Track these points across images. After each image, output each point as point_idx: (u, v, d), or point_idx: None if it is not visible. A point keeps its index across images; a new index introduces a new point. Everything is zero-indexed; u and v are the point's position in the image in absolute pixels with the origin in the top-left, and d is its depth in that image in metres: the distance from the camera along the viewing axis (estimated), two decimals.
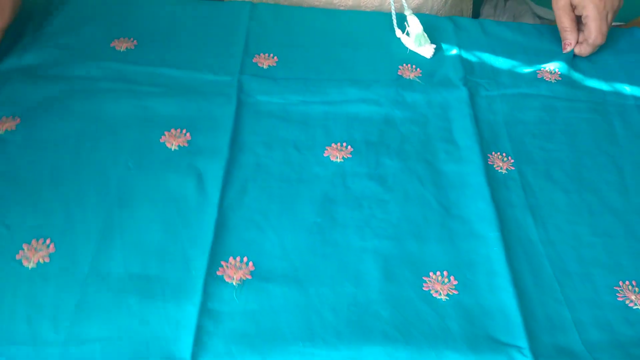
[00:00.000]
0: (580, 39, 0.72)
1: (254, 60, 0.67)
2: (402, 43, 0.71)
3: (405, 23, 0.70)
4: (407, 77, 0.67)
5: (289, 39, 0.71)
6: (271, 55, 0.68)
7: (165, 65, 0.65)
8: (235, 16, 0.73)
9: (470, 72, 0.69)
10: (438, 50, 0.71)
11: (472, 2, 0.97)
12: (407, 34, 0.69)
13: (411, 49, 0.69)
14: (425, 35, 0.69)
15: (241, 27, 0.71)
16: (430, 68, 0.69)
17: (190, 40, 0.69)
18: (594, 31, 0.70)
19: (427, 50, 0.69)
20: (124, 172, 0.54)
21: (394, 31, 0.72)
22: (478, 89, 0.67)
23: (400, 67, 0.68)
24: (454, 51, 0.71)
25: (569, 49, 0.72)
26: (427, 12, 0.82)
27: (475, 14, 0.97)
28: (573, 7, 0.72)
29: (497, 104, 0.65)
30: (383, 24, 0.74)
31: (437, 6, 0.84)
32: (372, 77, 0.67)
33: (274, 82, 0.64)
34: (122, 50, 0.66)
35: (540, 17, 1.59)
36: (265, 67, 0.67)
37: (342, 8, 0.81)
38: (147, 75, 0.63)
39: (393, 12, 0.72)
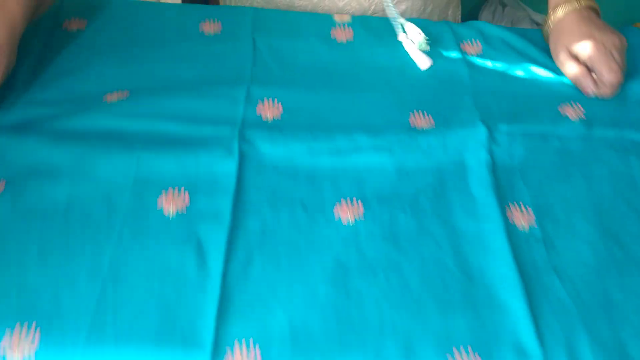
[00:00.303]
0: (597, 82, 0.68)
1: (257, 109, 0.63)
2: (415, 67, 0.68)
3: (402, 30, 0.71)
4: (420, 128, 0.63)
5: (293, 80, 0.67)
6: (275, 100, 0.64)
7: (160, 117, 0.60)
8: (235, 58, 0.68)
9: (487, 114, 0.64)
10: (449, 81, 0.68)
11: (459, 9, 0.93)
12: (419, 44, 0.70)
13: (411, 54, 0.70)
14: (427, 41, 0.70)
15: (244, 71, 0.67)
16: (444, 115, 0.64)
17: (188, 85, 0.65)
18: (604, 70, 0.66)
19: (424, 61, 0.69)
20: (117, 243, 0.50)
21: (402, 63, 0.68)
22: (497, 125, 0.63)
23: (411, 114, 0.64)
24: (465, 74, 0.68)
25: (591, 92, 0.68)
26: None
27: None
28: (576, 56, 0.68)
29: (515, 145, 0.61)
30: (390, 58, 0.70)
31: (415, 14, 0.82)
32: (383, 121, 0.63)
33: (278, 132, 0.60)
34: (114, 102, 0.62)
35: (537, 24, 1.59)
36: (269, 114, 0.62)
37: (325, 11, 0.79)
38: (142, 128, 0.59)
39: (392, 15, 0.73)
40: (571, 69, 0.69)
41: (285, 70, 0.68)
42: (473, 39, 0.74)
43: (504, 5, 1.56)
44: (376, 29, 0.74)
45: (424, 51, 0.69)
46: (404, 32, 0.71)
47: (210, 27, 0.73)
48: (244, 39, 0.71)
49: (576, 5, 0.68)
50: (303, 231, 0.52)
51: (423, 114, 0.64)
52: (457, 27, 0.76)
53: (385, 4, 0.73)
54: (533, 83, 0.70)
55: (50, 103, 0.60)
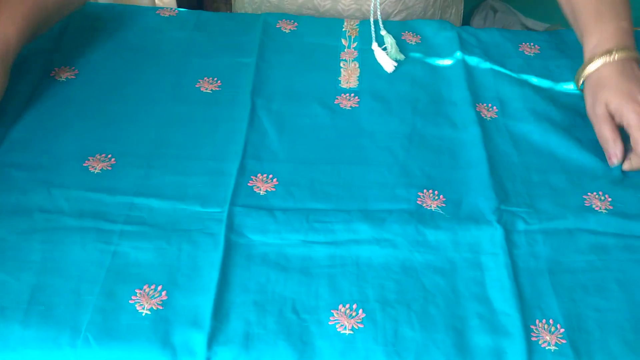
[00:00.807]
0: (629, 154, 0.61)
1: (249, 184, 0.57)
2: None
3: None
4: (429, 207, 0.57)
5: (291, 150, 0.61)
6: (270, 176, 0.58)
7: (144, 193, 0.55)
8: (231, 123, 0.63)
9: (503, 197, 0.58)
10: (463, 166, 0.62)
11: (460, 16, 0.94)
12: (384, 49, 0.74)
13: (379, 59, 0.73)
14: (399, 50, 0.74)
15: (238, 137, 0.62)
16: (456, 195, 0.58)
17: (177, 153, 0.59)
18: None
19: (388, 64, 0.72)
20: (83, 346, 0.44)
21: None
22: (515, 222, 0.56)
23: (420, 193, 0.58)
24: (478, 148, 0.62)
25: (615, 161, 0.61)
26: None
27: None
28: (612, 115, 0.62)
29: (538, 245, 0.54)
30: (398, 126, 0.65)
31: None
32: (387, 206, 0.56)
33: (270, 216, 0.54)
34: (96, 171, 0.56)
35: (528, 28, 1.62)
36: (262, 192, 0.57)
37: (319, 13, 0.80)
38: (122, 208, 0.54)
39: (372, 25, 0.77)
40: (604, 129, 0.61)
41: (284, 139, 0.62)
42: (490, 104, 0.68)
43: (495, 11, 1.57)
44: (383, 97, 0.68)
45: (395, 59, 0.73)
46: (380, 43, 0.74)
47: (208, 85, 0.68)
48: (243, 101, 0.66)
49: (616, 55, 0.62)
50: (294, 342, 0.46)
51: (433, 193, 0.58)
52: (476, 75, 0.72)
53: (372, 12, 0.77)
54: (551, 154, 0.64)
55: (23, 168, 0.57)
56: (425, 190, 0.58)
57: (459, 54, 0.74)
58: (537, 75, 0.73)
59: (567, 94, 0.71)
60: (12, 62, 0.59)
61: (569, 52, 0.77)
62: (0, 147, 0.59)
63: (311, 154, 0.61)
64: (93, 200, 0.54)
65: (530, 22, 1.61)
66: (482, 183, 0.59)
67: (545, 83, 0.73)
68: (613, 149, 0.61)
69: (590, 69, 0.64)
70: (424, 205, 0.57)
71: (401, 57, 0.73)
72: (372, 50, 0.74)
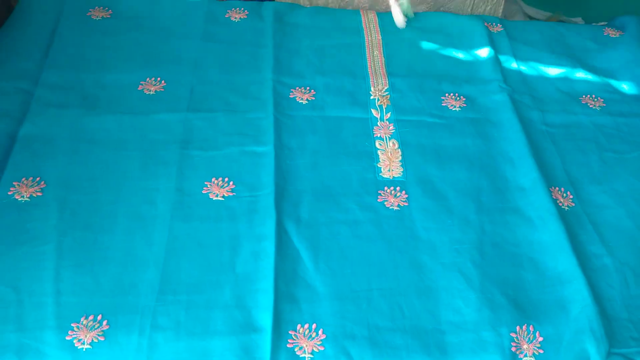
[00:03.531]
0: None
1: (289, 345, 0.44)
2: None
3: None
4: (524, 356, 0.44)
5: (331, 282, 0.49)
6: (313, 326, 0.45)
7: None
8: (255, 246, 0.50)
9: (610, 332, 0.46)
10: None
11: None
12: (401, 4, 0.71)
13: (394, 13, 0.71)
14: (410, 8, 0.71)
15: (264, 265, 0.49)
16: (553, 329, 0.46)
17: (188, 302, 0.46)
18: None
19: (400, 20, 0.71)
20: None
21: None
22: None
23: (513, 334, 0.45)
24: None
25: None
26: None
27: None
28: None
29: None
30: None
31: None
32: None
33: None
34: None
35: (530, 17, 1.57)
36: (307, 356, 0.44)
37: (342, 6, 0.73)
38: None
39: None
40: None
41: (320, 262, 0.50)
42: (563, 189, 0.57)
43: None
44: (436, 189, 0.55)
45: (406, 14, 0.71)
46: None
47: (218, 190, 0.54)
48: (265, 209, 0.53)
49: None
50: None
51: (527, 329, 0.45)
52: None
53: None
54: None
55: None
56: (518, 328, 0.45)
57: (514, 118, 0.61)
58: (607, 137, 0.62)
59: None
60: None
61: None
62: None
63: (358, 282, 0.48)
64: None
65: (532, 11, 1.55)
66: (584, 309, 0.47)
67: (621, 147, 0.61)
68: None
69: None
70: (519, 353, 0.44)
71: (411, 14, 0.72)
72: (410, 122, 0.61)
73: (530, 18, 1.52)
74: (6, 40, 0.62)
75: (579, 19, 1.18)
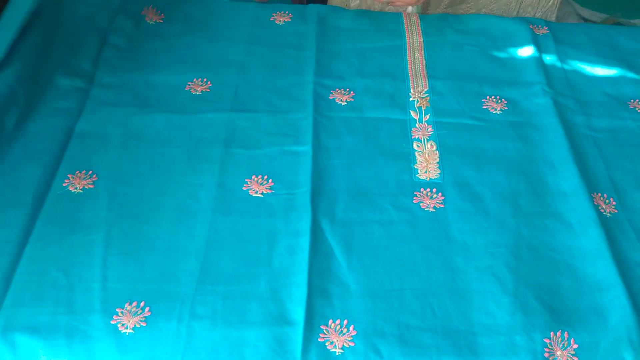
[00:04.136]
0: None
1: (320, 339, 0.45)
2: None
3: None
4: None
5: (364, 280, 0.49)
6: (345, 322, 0.46)
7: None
8: (290, 241, 0.52)
9: None
10: None
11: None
12: None
13: None
14: None
15: (299, 260, 0.50)
16: (590, 336, 0.45)
17: (225, 292, 0.48)
18: None
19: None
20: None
21: None
22: None
23: (546, 339, 0.45)
24: None
25: None
26: None
27: None
28: None
29: None
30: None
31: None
32: None
33: None
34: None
35: (585, 19, 1.48)
36: (338, 351, 0.44)
37: None
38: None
39: None
40: None
41: (353, 260, 0.50)
42: (606, 195, 0.55)
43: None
44: (473, 191, 0.55)
45: None
46: None
47: (258, 187, 0.56)
48: (301, 207, 0.54)
49: None
50: None
51: (562, 336, 0.45)
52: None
53: None
54: None
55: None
56: (552, 334, 0.45)
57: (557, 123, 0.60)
58: None
59: None
60: None
61: None
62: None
63: (390, 281, 0.49)
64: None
65: (587, 13, 1.49)
66: (622, 317, 0.45)
67: None
68: None
69: None
70: (552, 359, 0.43)
71: None
72: (450, 124, 0.61)
73: (585, 20, 1.47)
74: (57, 29, 0.64)
75: (638, 21, 1.11)
